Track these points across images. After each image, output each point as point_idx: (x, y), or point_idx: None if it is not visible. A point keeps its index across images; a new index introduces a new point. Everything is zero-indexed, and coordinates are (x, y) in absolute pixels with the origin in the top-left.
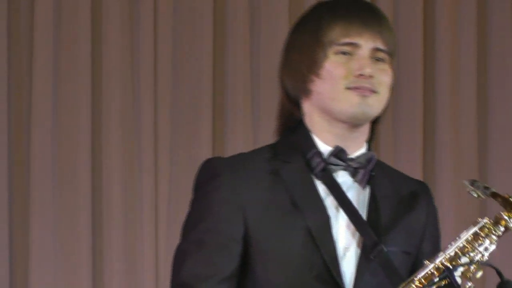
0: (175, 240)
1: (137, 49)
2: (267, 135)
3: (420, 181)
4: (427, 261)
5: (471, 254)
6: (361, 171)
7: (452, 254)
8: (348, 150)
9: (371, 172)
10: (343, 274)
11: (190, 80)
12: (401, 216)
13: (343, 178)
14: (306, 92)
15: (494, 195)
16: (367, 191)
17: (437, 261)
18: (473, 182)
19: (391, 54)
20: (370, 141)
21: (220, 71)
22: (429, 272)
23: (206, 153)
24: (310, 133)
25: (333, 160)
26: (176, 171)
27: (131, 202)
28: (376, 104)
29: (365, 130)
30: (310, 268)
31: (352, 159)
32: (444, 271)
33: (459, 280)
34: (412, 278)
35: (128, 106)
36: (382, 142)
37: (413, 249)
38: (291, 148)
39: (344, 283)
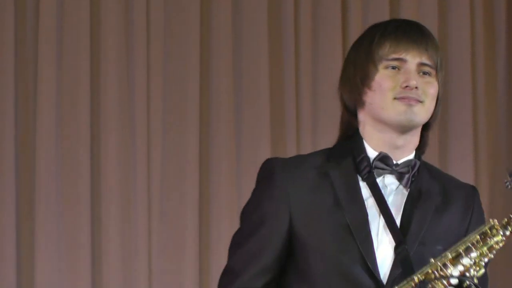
0: (167, 233)
1: (132, 58)
2: (250, 135)
3: (469, 185)
4: (432, 259)
5: (476, 256)
6: (406, 176)
7: (455, 253)
8: (395, 157)
9: (412, 177)
10: (379, 264)
11: (179, 83)
12: (439, 215)
13: (389, 181)
14: (361, 103)
15: None
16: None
17: (439, 260)
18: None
19: (436, 68)
20: (420, 148)
21: (206, 76)
22: (430, 271)
23: (193, 153)
24: (362, 140)
25: (379, 164)
26: (167, 170)
27: (126, 198)
28: (421, 113)
29: (413, 139)
30: (348, 259)
31: (397, 165)
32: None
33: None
34: (413, 275)
35: (124, 109)
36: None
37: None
38: (344, 152)
39: (379, 273)
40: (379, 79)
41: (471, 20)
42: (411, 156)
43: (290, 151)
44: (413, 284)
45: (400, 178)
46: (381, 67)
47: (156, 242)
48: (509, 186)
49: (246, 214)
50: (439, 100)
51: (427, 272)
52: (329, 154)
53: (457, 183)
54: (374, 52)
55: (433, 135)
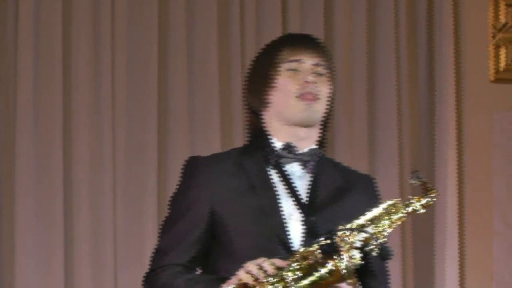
0: (131, 220)
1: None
2: (203, 141)
3: (367, 175)
4: (340, 227)
5: (379, 226)
6: (310, 163)
7: (360, 222)
8: (299, 146)
9: (315, 164)
10: (289, 237)
11: (140, 95)
12: (339, 199)
13: (295, 168)
14: (265, 104)
15: (424, 183)
16: (315, 177)
17: (346, 226)
18: (413, 172)
19: (329, 70)
20: (322, 141)
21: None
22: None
23: (152, 155)
24: (268, 136)
25: (284, 153)
26: (131, 168)
27: (95, 192)
28: (319, 109)
29: (314, 131)
30: (265, 236)
31: (301, 154)
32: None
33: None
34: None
35: (93, 116)
36: None
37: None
38: (255, 147)
39: (290, 242)
40: (281, 80)
41: (395, 23)
42: (313, 146)
43: (238, 143)
44: (316, 247)
45: (304, 165)
46: (282, 69)
47: (120, 228)
48: (413, 183)
49: (174, 202)
50: (333, 100)
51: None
52: (242, 150)
53: (357, 173)
54: (274, 57)
55: (362, 128)
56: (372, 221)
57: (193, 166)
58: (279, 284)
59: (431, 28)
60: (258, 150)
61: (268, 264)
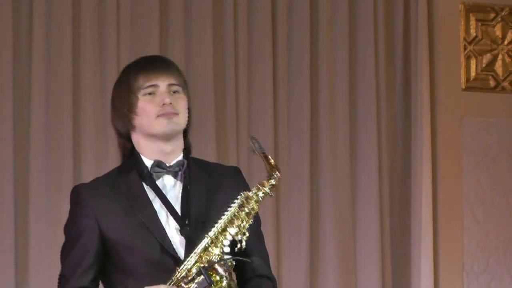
0: None
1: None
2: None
3: (232, 167)
4: (207, 235)
5: (239, 224)
6: (179, 173)
7: (222, 226)
8: (167, 161)
9: (184, 173)
10: (174, 246)
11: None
12: (211, 200)
13: (168, 180)
14: (131, 127)
15: (265, 156)
16: (185, 185)
17: (212, 233)
18: (252, 139)
19: (182, 86)
20: (186, 149)
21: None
22: (207, 245)
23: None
24: (139, 155)
25: (156, 169)
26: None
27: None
28: (179, 121)
29: (178, 143)
30: (151, 249)
31: (171, 166)
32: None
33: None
34: (194, 251)
35: (99, 115)
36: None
37: None
38: (128, 167)
39: (176, 251)
40: (141, 105)
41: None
42: (180, 157)
43: (232, 141)
44: (196, 258)
45: (175, 176)
46: (140, 95)
47: None
48: (254, 151)
49: (67, 230)
50: (190, 110)
51: (205, 247)
52: (117, 171)
53: (223, 168)
54: (132, 86)
55: (344, 133)
56: (231, 221)
57: (76, 196)
58: None
59: (407, 40)
60: (132, 170)
61: None
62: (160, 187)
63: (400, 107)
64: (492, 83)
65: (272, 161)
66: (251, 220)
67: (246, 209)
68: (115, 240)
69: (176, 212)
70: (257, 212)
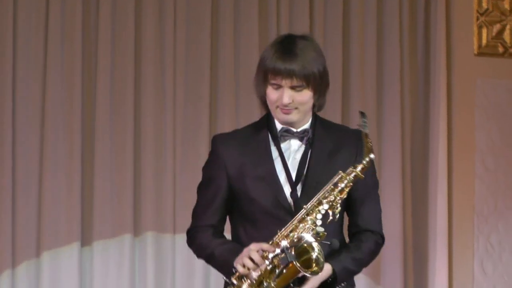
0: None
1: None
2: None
3: (356, 130)
4: (304, 206)
5: (332, 200)
6: (304, 138)
7: (318, 200)
8: (294, 127)
9: (309, 139)
10: (287, 201)
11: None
12: (333, 158)
13: (294, 143)
14: (265, 98)
15: (366, 136)
16: (307, 149)
17: (308, 205)
18: (362, 114)
19: (306, 83)
20: (315, 119)
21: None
22: (303, 216)
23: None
24: (273, 119)
25: (284, 133)
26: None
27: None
28: (297, 115)
29: (303, 118)
30: (267, 201)
31: (297, 132)
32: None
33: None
34: (291, 221)
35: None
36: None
37: None
38: (262, 126)
39: (289, 205)
40: (268, 92)
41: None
42: (307, 125)
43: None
44: (292, 227)
45: (301, 139)
46: (267, 84)
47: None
48: (361, 126)
49: (203, 172)
50: (323, 95)
51: (301, 217)
52: (252, 128)
53: (347, 131)
54: (264, 76)
55: (372, 91)
56: (325, 196)
57: (214, 145)
58: (270, 269)
59: (428, 12)
60: (263, 129)
61: (258, 255)
62: (285, 149)
63: (421, 70)
64: (501, 49)
65: (370, 143)
66: (343, 195)
67: (340, 187)
68: (238, 189)
69: (291, 176)
70: (375, 175)
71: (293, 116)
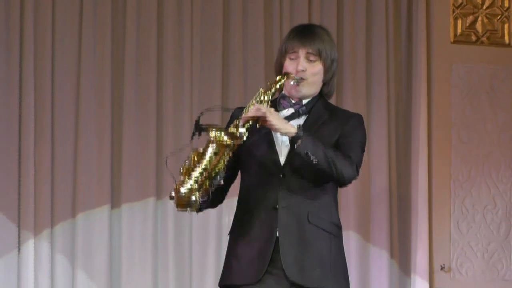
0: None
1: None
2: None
3: (353, 113)
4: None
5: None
6: (300, 109)
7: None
8: (297, 100)
9: (309, 110)
10: (279, 155)
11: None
12: (319, 129)
13: (289, 112)
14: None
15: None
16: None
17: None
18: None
19: (319, 55)
20: (326, 93)
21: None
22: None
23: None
24: (277, 90)
25: (282, 101)
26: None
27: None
28: (305, 87)
29: (310, 93)
30: (262, 154)
31: (295, 102)
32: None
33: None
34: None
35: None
36: None
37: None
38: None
39: (279, 159)
40: (285, 65)
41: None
42: (307, 100)
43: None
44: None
45: (296, 110)
46: (286, 57)
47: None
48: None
49: None
50: (333, 76)
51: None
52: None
53: (346, 112)
54: (284, 50)
55: (361, 79)
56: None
57: (231, 116)
58: (190, 168)
59: (410, 7)
60: (275, 99)
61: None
62: (284, 116)
63: (404, 56)
64: (473, 38)
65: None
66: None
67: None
68: (243, 156)
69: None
70: (363, 134)
71: (302, 88)
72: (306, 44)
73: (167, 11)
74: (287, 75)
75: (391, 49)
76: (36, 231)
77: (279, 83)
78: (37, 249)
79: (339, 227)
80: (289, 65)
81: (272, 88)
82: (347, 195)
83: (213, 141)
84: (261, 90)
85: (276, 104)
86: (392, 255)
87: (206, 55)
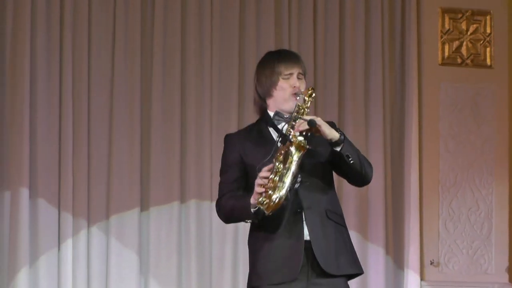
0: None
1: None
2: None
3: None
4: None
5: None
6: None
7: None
8: (285, 113)
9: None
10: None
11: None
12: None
13: (283, 125)
14: (270, 95)
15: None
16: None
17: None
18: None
19: (304, 75)
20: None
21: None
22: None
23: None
24: (267, 111)
25: (276, 117)
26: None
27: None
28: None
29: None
30: (265, 159)
31: (287, 116)
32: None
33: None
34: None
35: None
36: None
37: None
38: (260, 120)
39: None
40: (281, 84)
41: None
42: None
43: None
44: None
45: (292, 126)
46: (280, 77)
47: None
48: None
49: (222, 161)
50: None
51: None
52: (253, 124)
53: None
54: (276, 70)
55: (359, 103)
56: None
57: (227, 140)
58: (277, 176)
59: (403, 33)
60: (262, 121)
61: (264, 172)
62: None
63: (398, 76)
64: (459, 60)
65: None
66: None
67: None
68: (247, 162)
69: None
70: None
71: (298, 101)
72: (297, 65)
73: (189, 30)
74: (312, 89)
75: (387, 70)
76: (74, 231)
77: (313, 95)
78: (75, 247)
79: (344, 218)
80: (285, 84)
81: (307, 101)
82: (348, 198)
83: (294, 147)
84: (297, 104)
85: (267, 120)
86: (387, 252)
87: (224, 69)
